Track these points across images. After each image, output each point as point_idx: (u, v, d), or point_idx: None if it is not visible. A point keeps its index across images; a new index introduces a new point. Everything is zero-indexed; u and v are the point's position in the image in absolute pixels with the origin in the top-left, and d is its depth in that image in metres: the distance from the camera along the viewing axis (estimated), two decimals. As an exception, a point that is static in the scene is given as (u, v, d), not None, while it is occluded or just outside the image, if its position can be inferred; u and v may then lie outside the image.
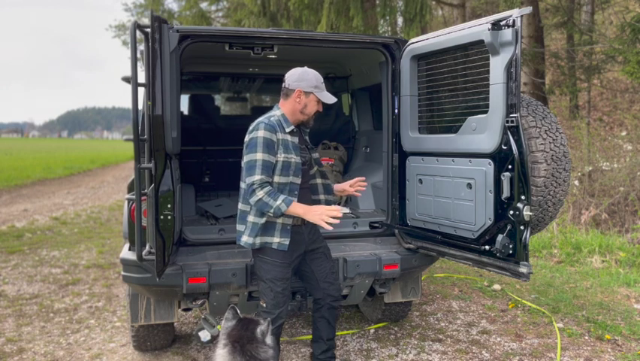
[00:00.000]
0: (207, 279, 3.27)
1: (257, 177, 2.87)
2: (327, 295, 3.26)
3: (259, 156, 2.89)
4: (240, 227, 3.10)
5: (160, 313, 3.62)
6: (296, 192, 3.04)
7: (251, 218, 3.02)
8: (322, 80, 3.09)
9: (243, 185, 3.03)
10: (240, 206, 3.10)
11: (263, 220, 3.00)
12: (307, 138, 3.26)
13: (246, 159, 2.95)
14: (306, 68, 3.10)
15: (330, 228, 2.88)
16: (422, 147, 3.60)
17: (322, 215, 2.86)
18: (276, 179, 2.96)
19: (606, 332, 4.36)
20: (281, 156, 2.96)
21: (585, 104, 10.97)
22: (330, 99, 3.08)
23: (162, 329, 3.88)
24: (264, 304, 3.06)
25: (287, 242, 3.02)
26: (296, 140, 3.07)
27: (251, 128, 3.01)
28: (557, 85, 11.05)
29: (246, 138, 2.99)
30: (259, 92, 7.78)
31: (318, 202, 3.22)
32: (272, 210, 2.86)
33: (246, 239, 3.05)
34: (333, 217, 2.86)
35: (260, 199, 2.86)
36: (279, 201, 2.85)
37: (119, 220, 10.13)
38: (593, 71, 9.97)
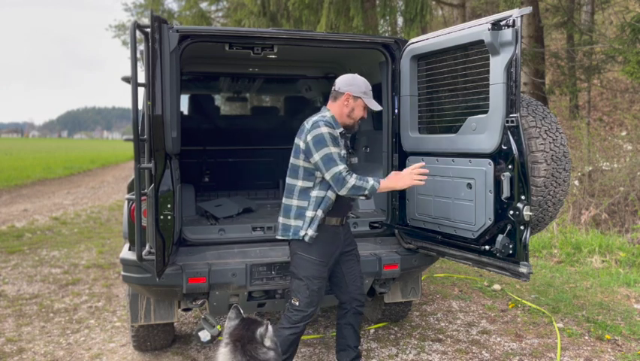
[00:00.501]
0: (207, 279, 3.27)
1: (340, 166, 2.95)
2: (353, 298, 3.29)
3: (332, 149, 2.97)
4: (296, 222, 3.08)
5: (160, 313, 3.62)
6: None
7: (309, 213, 3.06)
8: (371, 88, 3.19)
9: (299, 183, 3.08)
10: (295, 202, 3.10)
11: (314, 213, 3.05)
12: (349, 142, 3.32)
13: (318, 155, 2.96)
14: (355, 74, 3.20)
15: (422, 183, 3.10)
16: (422, 147, 3.60)
17: (412, 176, 3.06)
18: None
19: (606, 332, 4.36)
20: (341, 151, 3.04)
21: (585, 104, 10.96)
22: (377, 107, 3.19)
23: (162, 329, 3.88)
24: (297, 303, 3.06)
25: (315, 236, 3.06)
26: (342, 142, 3.14)
27: (308, 127, 3.03)
28: (557, 85, 11.04)
29: (308, 138, 2.99)
30: (259, 92, 7.78)
31: (350, 206, 3.32)
32: (367, 191, 2.99)
33: (303, 233, 3.05)
34: (421, 174, 3.08)
35: (353, 185, 2.95)
36: (371, 182, 3.00)
37: (119, 220, 10.13)
38: (593, 71, 9.97)
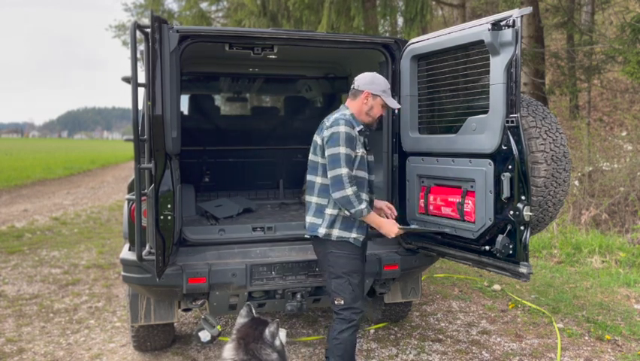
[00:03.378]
0: (207, 279, 3.27)
1: (343, 169, 2.94)
2: None
3: (342, 150, 2.96)
4: (314, 219, 3.12)
5: (160, 314, 3.62)
6: (369, 189, 3.19)
7: (329, 211, 3.07)
8: (389, 87, 3.22)
9: (318, 179, 3.09)
10: (314, 200, 3.13)
11: (337, 212, 3.05)
12: (367, 140, 3.30)
13: (328, 153, 2.99)
14: (375, 73, 3.22)
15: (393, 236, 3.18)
16: (422, 147, 3.60)
17: (393, 230, 3.12)
18: (354, 173, 3.04)
19: (606, 333, 4.36)
20: (359, 151, 3.06)
21: (585, 105, 10.96)
22: (395, 105, 3.24)
23: (162, 329, 3.88)
24: (342, 301, 3.03)
25: (362, 239, 3.12)
26: (361, 139, 3.15)
27: (328, 123, 3.05)
28: (557, 85, 11.03)
29: (325, 134, 3.02)
30: (259, 92, 7.79)
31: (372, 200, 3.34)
32: (353, 211, 2.96)
33: (323, 231, 3.07)
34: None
35: (347, 196, 2.93)
36: (363, 206, 2.97)
37: (119, 220, 10.13)
38: (593, 71, 9.96)
